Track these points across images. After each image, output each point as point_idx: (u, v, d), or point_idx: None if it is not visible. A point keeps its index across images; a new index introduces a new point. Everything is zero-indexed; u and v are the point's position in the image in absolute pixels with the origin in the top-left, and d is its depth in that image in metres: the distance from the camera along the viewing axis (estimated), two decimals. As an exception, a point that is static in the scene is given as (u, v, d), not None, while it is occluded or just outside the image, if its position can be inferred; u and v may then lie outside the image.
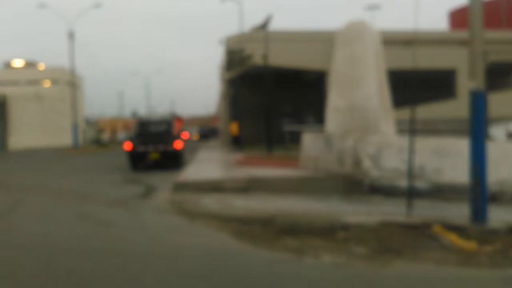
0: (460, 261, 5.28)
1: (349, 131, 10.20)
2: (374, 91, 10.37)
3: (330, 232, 6.48)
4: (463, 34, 27.66)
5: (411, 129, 7.16)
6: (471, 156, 6.64)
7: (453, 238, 5.99)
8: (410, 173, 7.15)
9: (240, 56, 24.31)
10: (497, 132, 18.30)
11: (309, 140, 10.73)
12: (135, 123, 17.08)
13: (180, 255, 5.31)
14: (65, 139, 41.54)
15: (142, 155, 14.95)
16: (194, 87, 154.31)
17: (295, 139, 17.97)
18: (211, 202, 8.04)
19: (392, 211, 7.63)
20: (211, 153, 22.54)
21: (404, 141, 9.56)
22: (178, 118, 18.55)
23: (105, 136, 56.90)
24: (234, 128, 26.66)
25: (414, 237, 6.33)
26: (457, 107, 25.34)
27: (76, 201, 9.00)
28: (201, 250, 5.55)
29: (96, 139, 47.55)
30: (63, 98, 47.12)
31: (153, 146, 14.91)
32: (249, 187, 9.37)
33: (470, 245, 5.73)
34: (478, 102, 6.67)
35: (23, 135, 39.59)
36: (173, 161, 15.10)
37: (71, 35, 33.10)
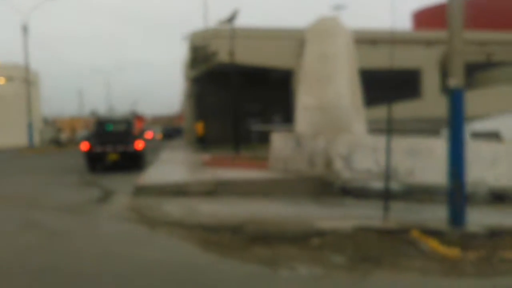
0: (444, 270, 4.92)
1: (320, 131, 9.81)
2: (346, 89, 10.01)
3: (303, 239, 6.03)
4: (428, 34, 28.08)
5: (388, 128, 6.79)
6: (450, 157, 6.34)
7: (433, 244, 5.65)
8: (388, 175, 6.79)
9: (205, 53, 23.61)
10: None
11: (279, 140, 10.27)
12: (93, 122, 16.13)
13: (138, 273, 4.70)
14: (21, 139, 39.72)
15: (100, 155, 14.11)
16: (158, 86, 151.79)
17: (263, 139, 17.52)
18: (174, 208, 7.44)
19: (367, 214, 7.27)
20: (175, 153, 21.80)
21: (377, 141, 9.25)
22: (138, 117, 17.74)
23: (64, 135, 54.78)
24: (199, 127, 25.98)
25: (392, 243, 5.95)
26: (422, 107, 25.59)
27: (25, 208, 8.18)
28: (163, 265, 4.96)
29: (54, 138, 45.63)
30: (18, 96, 44.99)
31: (112, 146, 14.09)
32: (216, 190, 8.83)
33: (453, 252, 5.39)
34: (457, 100, 6.35)
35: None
36: (133, 162, 14.34)
37: (24, 29, 31.51)
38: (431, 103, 26.32)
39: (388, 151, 6.77)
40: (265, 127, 22.35)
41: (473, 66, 25.52)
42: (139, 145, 14.19)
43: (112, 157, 14.04)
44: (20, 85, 47.34)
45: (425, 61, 27.30)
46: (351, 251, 5.57)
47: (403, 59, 27.39)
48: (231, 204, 7.89)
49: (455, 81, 6.43)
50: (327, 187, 9.23)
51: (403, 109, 26.96)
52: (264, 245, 5.74)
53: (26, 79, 33.57)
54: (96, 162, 14.28)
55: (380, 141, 9.37)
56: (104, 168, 14.28)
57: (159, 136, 63.89)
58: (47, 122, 65.23)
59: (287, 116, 27.70)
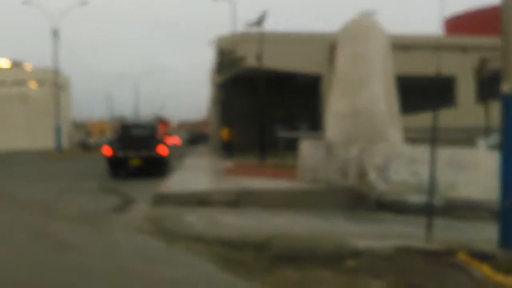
0: (504, 304, 4.21)
1: (353, 139, 9.14)
2: (381, 94, 9.33)
3: (337, 260, 5.38)
4: (462, 40, 26.99)
5: (433, 138, 6.11)
6: (503, 170, 5.61)
7: (486, 271, 4.93)
8: (431, 188, 6.09)
9: (232, 57, 23.21)
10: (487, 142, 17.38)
11: (308, 148, 9.64)
12: (117, 126, 15.85)
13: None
14: (49, 142, 40.19)
15: (123, 161, 13.74)
16: (185, 91, 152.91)
17: (290, 146, 16.91)
18: (195, 220, 6.90)
19: (406, 232, 6.58)
20: (199, 159, 21.41)
21: (415, 151, 8.55)
22: (163, 122, 17.32)
23: (92, 139, 55.36)
24: (224, 133, 25.53)
25: (438, 267, 5.26)
26: (456, 116, 24.47)
27: (40, 216, 7.80)
28: (177, 285, 4.41)
29: (82, 142, 46.12)
30: (48, 100, 45.66)
31: (135, 151, 13.70)
32: (240, 200, 8.26)
33: (509, 281, 4.66)
34: (511, 107, 5.63)
35: (7, 137, 38.17)
36: (156, 168, 13.94)
37: (55, 33, 31.83)
38: (466, 112, 25.23)
39: (434, 163, 6.07)
40: (293, 134, 21.73)
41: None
42: (163, 150, 13.78)
43: (135, 162, 13.67)
44: (51, 89, 48.06)
45: (460, 68, 26.17)
46: (392, 276, 4.90)
47: (437, 65, 26.47)
48: (255, 216, 7.30)
49: (509, 86, 5.71)
50: (360, 200, 8.56)
51: (439, 118, 25.90)
52: (292, 266, 5.12)
53: (55, 83, 33.82)
54: (118, 168, 13.95)
55: (419, 151, 8.67)
56: (126, 174, 13.91)
57: (179, 141, 63.88)
58: (76, 125, 66.20)
59: (314, 123, 27.05)
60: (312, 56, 23.86)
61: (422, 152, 8.69)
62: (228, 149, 23.65)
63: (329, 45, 23.83)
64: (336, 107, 9.64)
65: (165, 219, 6.93)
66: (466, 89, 26.40)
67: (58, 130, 33.70)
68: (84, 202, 9.26)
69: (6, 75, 58.10)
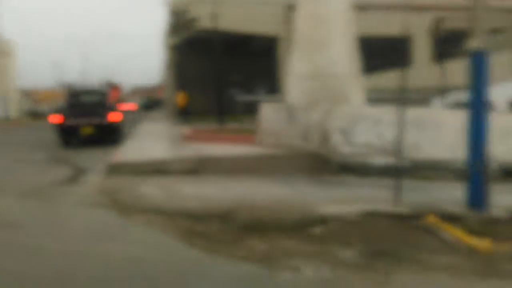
0: (478, 268, 4.09)
1: (315, 102, 8.87)
2: (343, 55, 9.04)
3: (303, 228, 5.16)
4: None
5: (401, 98, 5.89)
6: (470, 129, 5.49)
7: (457, 234, 4.83)
8: (400, 149, 5.93)
9: (186, 18, 22.21)
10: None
11: (269, 112, 9.29)
12: (65, 93, 14.84)
13: (107, 277, 3.78)
14: (-3, 111, 37.96)
15: (73, 129, 12.93)
16: (139, 56, 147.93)
17: (248, 110, 16.51)
18: (152, 190, 6.47)
19: (372, 195, 6.44)
20: (154, 125, 20.68)
21: (379, 112, 8.38)
22: (114, 87, 16.36)
23: (42, 107, 52.86)
24: (180, 98, 24.77)
25: (408, 231, 5.12)
26: (411, 76, 24.65)
27: (-20, 192, 7.13)
28: (138, 265, 4.04)
29: (32, 110, 43.92)
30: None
31: (86, 119, 12.93)
32: (200, 168, 7.89)
33: (482, 243, 4.57)
34: (480, 63, 5.45)
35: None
36: (109, 136, 13.24)
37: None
38: (421, 72, 25.51)
39: (402, 124, 5.88)
40: (251, 97, 21.32)
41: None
42: (115, 117, 13.04)
43: (86, 130, 12.91)
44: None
45: (415, 27, 26.23)
46: (361, 243, 4.72)
47: (393, 25, 26.39)
48: (218, 185, 6.96)
49: (477, 43, 5.52)
50: (324, 164, 8.37)
51: (392, 79, 26.13)
52: (258, 237, 4.84)
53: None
54: (69, 136, 13.15)
55: (383, 112, 8.51)
56: (78, 143, 13.14)
57: (135, 107, 62.47)
58: (24, 94, 62.93)
59: (271, 86, 26.64)
60: (269, 17, 23.19)
61: (386, 113, 8.54)
62: (184, 113, 22.96)
63: (286, 6, 23.24)
64: (296, 69, 9.29)
65: (120, 191, 6.47)
66: (421, 49, 26.58)
67: (3, 98, 31.65)
68: (32, 175, 8.59)
69: None
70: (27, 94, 63.46)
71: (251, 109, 17.67)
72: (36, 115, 41.02)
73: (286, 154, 8.46)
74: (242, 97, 15.89)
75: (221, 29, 19.45)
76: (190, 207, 5.63)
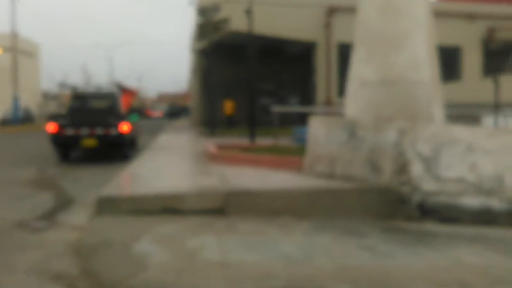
0: None
1: (386, 117, 6.49)
2: (425, 56, 6.65)
3: None
4: (469, 7, 24.27)
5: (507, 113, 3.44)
6: None
7: None
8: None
9: (215, 20, 20.07)
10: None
11: (321, 129, 6.93)
12: (69, 97, 12.66)
13: None
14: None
15: (72, 140, 10.71)
16: (165, 63, 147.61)
17: (283, 122, 14.23)
18: (157, 250, 4.16)
19: (484, 262, 4.04)
20: (176, 137, 18.54)
21: (473, 134, 5.99)
22: (127, 91, 14.21)
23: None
24: (228, 106, 23.12)
25: None
26: (462, 90, 21.90)
27: None
28: None
29: (50, 114, 42.69)
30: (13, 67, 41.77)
31: (88, 128, 10.71)
32: (228, 207, 5.58)
33: None
34: None
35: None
36: (118, 150, 11.05)
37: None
38: (470, 85, 22.78)
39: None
40: (289, 109, 18.99)
41: None
42: (124, 127, 10.81)
43: (88, 142, 10.69)
44: (18, 57, 44.15)
45: (466, 38, 23.50)
46: None
47: (441, 35, 23.74)
48: (255, 239, 4.61)
49: None
50: (398, 204, 5.97)
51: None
52: None
53: (14, 47, 30.10)
54: (66, 149, 10.99)
55: (477, 135, 6.11)
56: (80, 157, 11.02)
57: (160, 114, 61.48)
58: (48, 97, 62.29)
59: (305, 97, 24.27)
60: (306, 21, 20.88)
61: (481, 136, 6.16)
62: (230, 123, 21.82)
63: (326, 8, 20.94)
64: (360, 73, 6.91)
65: (107, 250, 4.17)
66: (471, 61, 23.83)
67: (15, 100, 30.08)
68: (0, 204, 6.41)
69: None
70: (53, 98, 62.83)
71: (285, 122, 15.39)
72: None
73: (347, 188, 6.07)
74: (278, 108, 13.59)
75: (253, 32, 17.20)
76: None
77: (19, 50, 41.21)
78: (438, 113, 6.98)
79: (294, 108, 20.11)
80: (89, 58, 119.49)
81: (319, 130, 7.02)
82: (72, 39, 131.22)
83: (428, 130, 6.08)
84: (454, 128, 6.28)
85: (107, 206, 5.46)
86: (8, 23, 30.05)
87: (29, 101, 47.56)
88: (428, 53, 6.84)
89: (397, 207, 6.01)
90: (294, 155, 8.36)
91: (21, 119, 30.82)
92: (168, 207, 5.50)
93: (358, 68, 6.93)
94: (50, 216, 5.55)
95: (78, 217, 5.49)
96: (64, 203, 6.34)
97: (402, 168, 6.04)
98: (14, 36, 30.77)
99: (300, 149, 9.13)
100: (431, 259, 4.24)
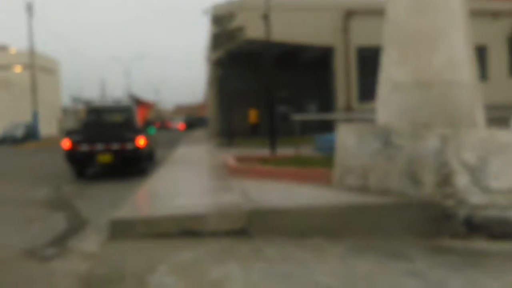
0: None
1: (423, 123, 5.90)
2: (465, 55, 6.06)
3: None
4: (492, 4, 23.46)
5: None
6: None
7: None
8: None
9: (230, 29, 19.68)
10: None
11: (350, 138, 6.36)
12: (84, 111, 12.30)
13: None
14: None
15: (87, 157, 10.35)
16: (182, 74, 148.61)
17: (303, 131, 13.65)
18: (173, 285, 3.65)
19: None
20: (194, 149, 18.12)
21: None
22: (142, 104, 13.83)
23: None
24: (252, 115, 22.83)
25: None
26: (488, 91, 21.08)
27: None
28: None
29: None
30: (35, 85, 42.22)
31: (104, 143, 10.31)
32: (251, 227, 5.05)
33: None
34: None
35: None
36: (135, 165, 10.63)
37: (29, 7, 28.12)
38: (496, 86, 21.89)
39: None
40: (310, 117, 18.42)
41: None
42: (141, 141, 10.41)
43: (104, 158, 10.30)
44: (37, 74, 44.69)
45: (491, 36, 22.65)
46: None
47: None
48: (283, 268, 4.05)
49: None
50: (442, 219, 5.36)
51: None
52: None
53: (31, 64, 30.22)
54: (81, 166, 10.61)
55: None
56: (98, 174, 10.63)
57: (182, 126, 61.79)
58: (68, 112, 62.90)
59: (324, 103, 23.64)
60: (323, 25, 20.33)
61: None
62: (255, 132, 21.58)
63: (343, 13, 20.38)
64: (393, 76, 6.33)
65: (115, 284, 3.67)
66: (497, 60, 22.95)
67: (35, 116, 30.08)
68: (8, 228, 5.98)
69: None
70: (73, 113, 63.37)
71: (305, 130, 14.80)
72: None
73: (384, 204, 5.48)
74: (299, 116, 13.03)
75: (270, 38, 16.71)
76: None
77: (39, 67, 41.66)
78: (480, 117, 6.36)
79: (315, 115, 19.51)
80: (106, 72, 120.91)
81: (348, 139, 6.45)
82: (89, 53, 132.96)
83: (473, 137, 5.48)
84: (502, 133, 5.66)
85: (121, 229, 4.98)
86: (27, 40, 30.33)
87: (50, 117, 48.01)
88: (467, 52, 6.25)
89: (441, 223, 5.40)
90: (319, 166, 7.79)
91: (21, 138, 30.16)
92: (186, 229, 4.99)
93: (389, 70, 6.35)
94: (60, 242, 5.08)
95: (90, 242, 5.01)
96: (76, 225, 5.88)
97: (446, 179, 5.43)
98: (31, 53, 30.90)
99: (324, 159, 8.56)
100: (488, 287, 3.65)
